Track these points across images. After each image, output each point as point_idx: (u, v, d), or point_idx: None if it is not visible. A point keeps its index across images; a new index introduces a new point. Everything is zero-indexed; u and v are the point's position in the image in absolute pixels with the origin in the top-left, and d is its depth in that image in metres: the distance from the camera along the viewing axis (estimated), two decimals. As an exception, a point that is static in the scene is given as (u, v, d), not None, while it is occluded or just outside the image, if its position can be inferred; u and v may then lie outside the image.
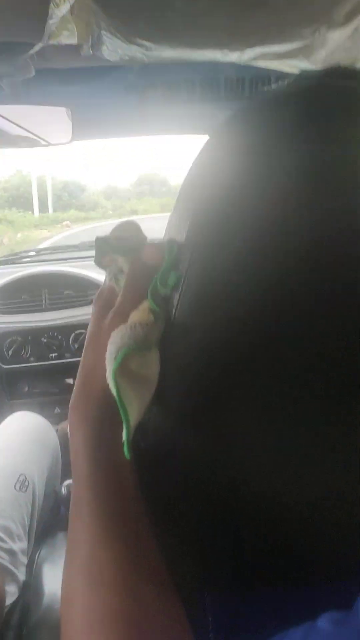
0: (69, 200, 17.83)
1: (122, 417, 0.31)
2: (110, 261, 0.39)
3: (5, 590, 0.82)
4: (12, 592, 0.85)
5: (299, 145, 0.29)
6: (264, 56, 0.64)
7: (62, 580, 0.35)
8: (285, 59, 0.65)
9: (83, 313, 1.53)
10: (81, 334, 1.50)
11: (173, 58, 0.62)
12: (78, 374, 0.38)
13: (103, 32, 0.57)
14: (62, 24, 0.60)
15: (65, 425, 1.55)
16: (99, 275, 1.60)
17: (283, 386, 0.31)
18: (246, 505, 0.37)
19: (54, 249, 1.97)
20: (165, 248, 0.33)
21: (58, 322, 1.50)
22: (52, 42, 0.65)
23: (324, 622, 0.25)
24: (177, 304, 0.32)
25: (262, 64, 0.67)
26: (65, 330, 1.50)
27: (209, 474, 0.37)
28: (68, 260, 1.88)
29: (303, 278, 0.29)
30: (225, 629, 0.39)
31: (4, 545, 0.89)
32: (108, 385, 0.33)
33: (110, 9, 0.52)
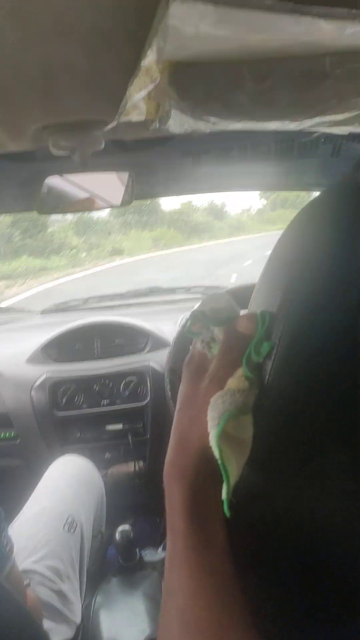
0: (22, 242, 12.54)
1: (224, 477, 0.34)
2: (200, 328, 0.43)
3: (53, 629, 0.84)
4: (62, 632, 0.86)
5: None
6: (320, 124, 0.68)
7: (159, 626, 0.38)
8: (340, 125, 0.69)
9: (133, 361, 1.58)
10: (132, 381, 1.54)
11: (235, 129, 0.68)
12: (172, 432, 0.41)
13: (173, 111, 0.63)
14: (134, 104, 0.65)
15: (116, 470, 1.58)
16: (146, 324, 1.66)
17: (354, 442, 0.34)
18: (326, 557, 0.39)
19: (101, 297, 2.04)
20: (258, 319, 0.36)
21: (110, 370, 1.55)
22: (122, 119, 0.71)
23: None
24: (270, 372, 0.35)
25: (318, 129, 0.71)
26: (117, 377, 1.55)
27: (297, 526, 0.39)
28: (114, 308, 1.94)
29: None
30: None
31: (54, 587, 0.91)
32: (204, 444, 0.36)
33: (185, 93, 0.57)
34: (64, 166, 0.97)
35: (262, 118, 0.63)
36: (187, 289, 2.03)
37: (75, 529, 1.05)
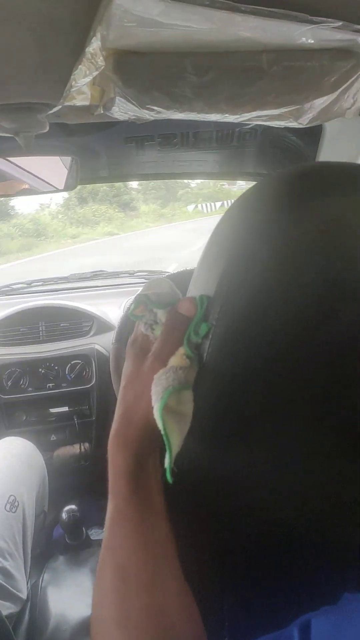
0: None
1: (167, 447, 0.37)
2: (142, 311, 0.45)
3: (2, 604, 0.86)
4: (7, 607, 0.88)
5: (304, 215, 0.36)
6: (258, 118, 0.71)
7: (95, 584, 0.42)
8: (277, 120, 0.73)
9: (78, 344, 1.59)
10: (77, 364, 1.55)
11: (177, 118, 0.70)
12: (117, 406, 0.44)
13: (118, 98, 0.64)
14: (79, 89, 0.67)
15: (62, 452, 1.59)
16: (90, 307, 1.66)
17: (293, 418, 0.38)
18: (262, 512, 0.43)
19: (45, 281, 2.02)
20: (197, 302, 0.39)
21: (55, 353, 1.55)
22: (67, 103, 0.71)
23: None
24: (208, 350, 0.38)
25: (255, 122, 0.75)
26: (62, 361, 1.55)
27: (231, 486, 0.43)
28: (59, 292, 1.93)
29: (313, 332, 0.36)
30: (239, 629, 0.44)
31: None
32: (148, 417, 0.39)
33: (129, 81, 0.59)
34: (8, 148, 0.96)
35: (203, 110, 0.66)
36: (131, 274, 2.04)
37: (17, 509, 1.06)
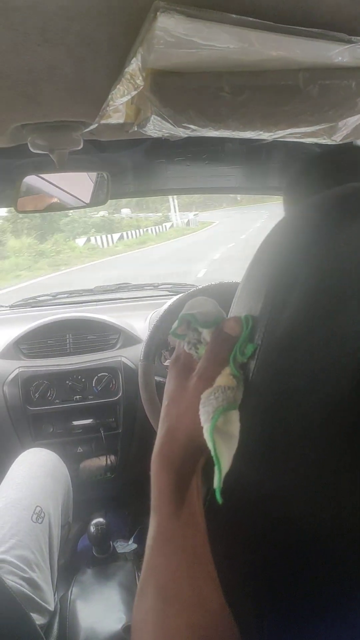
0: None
1: (216, 467, 0.37)
2: (184, 331, 0.46)
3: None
4: (35, 618, 0.88)
5: (348, 237, 0.36)
6: (291, 135, 0.72)
7: (136, 605, 0.41)
8: (310, 137, 0.73)
9: (105, 357, 1.60)
10: (104, 376, 1.56)
11: (211, 136, 0.71)
12: (160, 425, 0.44)
13: (154, 116, 0.65)
14: (115, 108, 0.68)
15: (88, 464, 1.60)
16: (117, 320, 1.68)
17: (336, 438, 0.38)
18: (309, 537, 0.43)
19: (70, 293, 2.04)
20: (243, 322, 0.39)
21: (82, 365, 1.56)
22: (102, 122, 0.73)
23: None
24: (254, 370, 0.38)
25: (288, 139, 0.75)
26: (89, 373, 1.56)
27: (272, 505, 0.42)
28: (84, 304, 1.95)
29: (355, 353, 0.36)
30: None
31: (24, 575, 0.93)
32: (192, 436, 0.39)
33: (167, 100, 0.60)
34: (42, 164, 0.98)
35: (238, 128, 0.66)
36: (155, 286, 2.05)
37: (43, 519, 1.07)
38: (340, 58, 0.57)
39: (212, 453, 0.37)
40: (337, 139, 0.75)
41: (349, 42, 0.54)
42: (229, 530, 0.44)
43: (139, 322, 1.73)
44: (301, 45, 0.54)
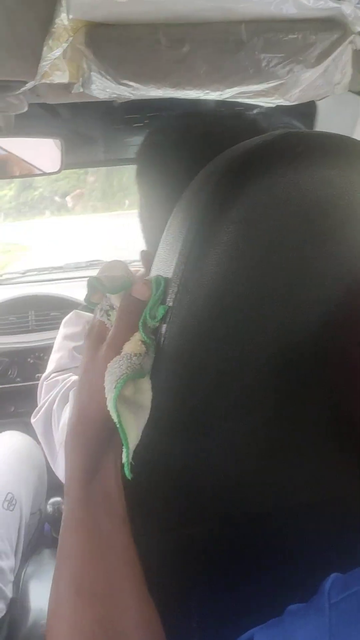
0: None
1: (123, 441, 0.34)
2: (100, 298, 0.43)
3: None
4: (0, 609, 0.86)
5: (270, 191, 0.33)
6: (242, 94, 0.68)
7: (51, 593, 0.39)
8: (262, 97, 0.70)
9: (69, 334, 1.56)
10: (67, 354, 1.53)
11: (158, 96, 0.67)
12: (73, 402, 0.41)
13: (93, 73, 0.61)
14: (54, 65, 0.64)
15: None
16: (83, 296, 1.64)
17: (249, 400, 0.36)
18: (228, 505, 0.41)
19: (39, 270, 2.00)
20: (153, 284, 0.36)
21: (44, 342, 1.53)
22: (44, 81, 0.69)
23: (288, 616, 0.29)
24: (165, 334, 0.36)
25: (240, 100, 0.72)
26: (51, 350, 1.52)
27: (196, 478, 0.40)
28: (53, 282, 1.91)
29: (275, 312, 0.33)
30: (209, 628, 0.42)
31: None
32: (104, 411, 0.36)
33: (101, 54, 0.57)
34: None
35: (181, 85, 0.63)
36: (128, 263, 2.01)
37: (14, 507, 1.05)
38: (284, 9, 0.54)
39: (117, 425, 0.34)
40: (291, 98, 0.71)
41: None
42: (151, 506, 0.41)
43: None
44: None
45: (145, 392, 0.36)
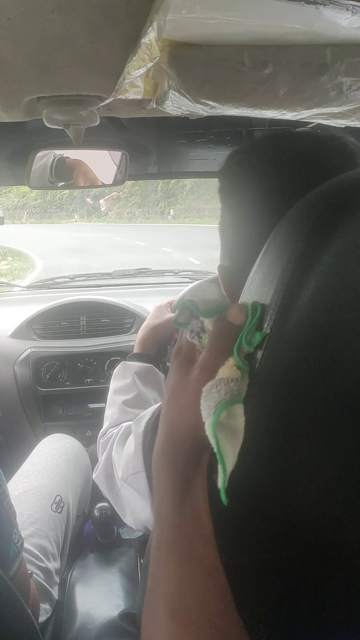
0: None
1: (220, 466, 0.34)
2: (187, 319, 0.42)
3: (41, 607, 0.85)
4: (46, 610, 0.87)
5: None
6: (318, 115, 0.68)
7: (144, 616, 0.39)
8: (339, 118, 0.69)
9: (119, 341, 1.58)
10: (116, 360, 1.54)
11: (233, 114, 0.67)
12: (161, 421, 0.41)
13: (172, 91, 0.62)
14: (132, 82, 0.65)
15: (95, 448, 1.59)
16: (132, 306, 1.65)
17: (341, 434, 0.35)
18: (317, 535, 0.40)
19: (88, 276, 2.03)
20: (249, 309, 0.36)
21: (95, 348, 1.55)
22: (119, 97, 0.70)
23: None
24: (261, 361, 0.35)
25: (314, 120, 0.71)
26: (101, 356, 1.55)
27: (284, 506, 0.40)
28: (102, 288, 1.94)
29: None
30: None
31: (41, 564, 0.92)
32: (195, 433, 0.36)
33: (184, 74, 0.57)
34: (57, 141, 0.95)
35: (260, 105, 0.63)
36: (175, 273, 2.02)
37: (62, 509, 1.06)
38: (371, 33, 0.53)
39: (215, 450, 0.34)
40: (366, 122, 0.71)
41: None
42: (237, 534, 0.41)
43: None
44: (329, 19, 0.50)
45: (238, 417, 0.35)
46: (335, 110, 0.65)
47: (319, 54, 0.56)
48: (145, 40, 0.53)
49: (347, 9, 0.49)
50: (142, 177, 1.25)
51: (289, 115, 0.66)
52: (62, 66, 0.62)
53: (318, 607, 0.41)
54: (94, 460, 1.55)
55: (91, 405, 1.57)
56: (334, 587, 0.41)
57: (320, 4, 0.48)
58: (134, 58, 0.57)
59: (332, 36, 0.54)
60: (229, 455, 0.34)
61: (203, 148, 1.12)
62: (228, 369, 0.36)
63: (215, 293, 0.41)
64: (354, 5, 0.48)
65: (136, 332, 1.60)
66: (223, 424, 0.35)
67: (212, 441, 0.34)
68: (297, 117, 0.67)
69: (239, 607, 0.37)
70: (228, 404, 0.34)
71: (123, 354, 1.55)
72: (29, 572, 0.82)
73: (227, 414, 0.35)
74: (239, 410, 0.35)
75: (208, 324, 0.40)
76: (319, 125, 0.74)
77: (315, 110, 0.64)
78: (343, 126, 0.75)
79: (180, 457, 0.39)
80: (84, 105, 0.75)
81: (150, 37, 0.52)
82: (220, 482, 0.34)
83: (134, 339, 1.57)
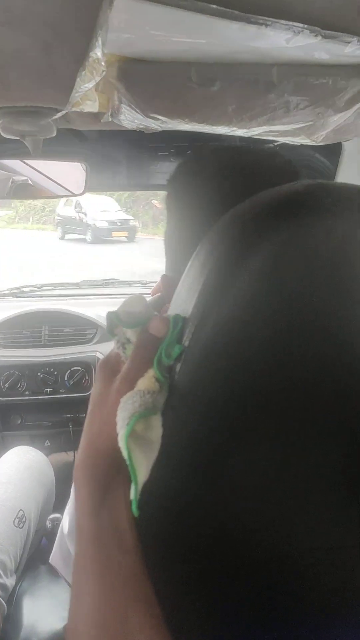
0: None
1: (132, 478, 0.34)
2: (120, 331, 0.43)
3: None
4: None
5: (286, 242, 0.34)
6: (269, 133, 0.69)
7: (67, 630, 0.38)
8: (289, 136, 0.71)
9: (80, 351, 1.58)
10: (77, 371, 1.53)
11: (185, 129, 0.68)
12: (84, 433, 0.41)
13: (123, 105, 0.62)
14: (86, 95, 0.65)
15: (54, 458, 1.57)
16: (97, 317, 1.65)
17: (258, 441, 0.36)
18: (237, 545, 0.41)
19: (55, 285, 2.02)
20: (171, 322, 0.37)
21: (55, 358, 1.54)
22: (74, 109, 0.70)
23: None
24: (178, 372, 0.36)
25: (265, 137, 0.73)
26: (62, 366, 1.54)
27: (203, 517, 0.40)
28: (68, 297, 1.93)
29: (286, 359, 0.34)
30: None
31: (0, 581, 0.90)
32: (114, 445, 0.36)
33: (132, 88, 0.57)
34: (16, 150, 0.95)
35: (210, 121, 0.64)
36: (144, 284, 2.02)
37: (24, 525, 1.04)
38: (316, 54, 0.54)
39: (127, 462, 0.34)
40: (317, 139, 0.72)
41: (326, 37, 0.52)
42: (163, 544, 0.41)
43: None
44: (274, 38, 0.51)
45: (155, 429, 0.36)
46: (285, 127, 0.67)
47: (266, 72, 0.57)
48: (93, 54, 0.53)
49: (289, 29, 0.50)
50: (104, 189, 1.25)
51: (240, 132, 0.68)
52: (15, 80, 0.62)
53: (249, 619, 0.42)
54: (57, 469, 1.54)
55: (50, 416, 1.55)
56: (266, 600, 0.42)
57: (262, 24, 0.49)
58: (84, 72, 0.57)
59: (277, 55, 0.55)
60: (141, 466, 0.35)
61: (164, 161, 1.14)
62: (147, 381, 0.36)
63: (140, 305, 0.42)
64: (294, 26, 0.50)
65: (98, 342, 1.61)
66: (138, 436, 0.35)
67: (124, 453, 0.34)
68: (249, 134, 0.69)
69: (169, 619, 0.37)
70: (141, 416, 0.35)
71: (84, 364, 1.54)
72: None
73: (143, 426, 0.35)
74: (156, 421, 0.36)
75: (132, 335, 0.41)
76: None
77: (265, 128, 0.65)
78: (298, 144, 0.77)
79: (98, 467, 0.39)
80: (39, 117, 0.75)
81: (98, 52, 0.53)
82: (132, 493, 0.34)
83: (96, 350, 1.57)
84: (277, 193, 0.35)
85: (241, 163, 0.55)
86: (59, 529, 0.80)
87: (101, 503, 0.38)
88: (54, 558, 0.79)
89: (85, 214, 10.55)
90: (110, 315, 0.42)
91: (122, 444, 0.35)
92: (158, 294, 0.61)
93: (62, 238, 11.43)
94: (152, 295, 0.74)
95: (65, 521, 0.71)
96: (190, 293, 0.36)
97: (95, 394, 0.41)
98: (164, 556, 0.41)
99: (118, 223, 10.59)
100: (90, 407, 0.41)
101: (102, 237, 10.32)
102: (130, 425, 0.34)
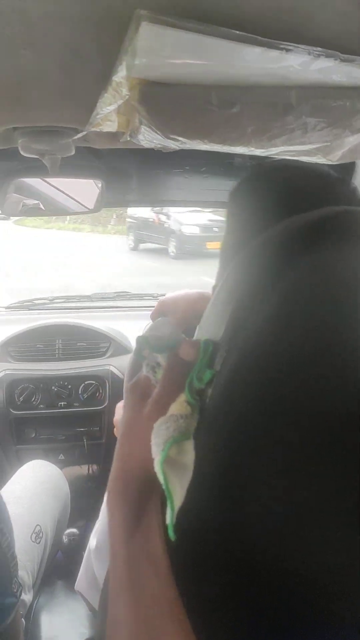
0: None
1: (168, 502, 0.34)
2: (150, 354, 0.43)
3: None
4: None
5: (315, 266, 0.34)
6: (286, 152, 0.70)
7: None
8: (305, 156, 0.71)
9: (94, 365, 1.58)
10: (91, 384, 1.54)
11: (204, 149, 0.69)
12: (115, 457, 0.41)
13: (143, 126, 0.63)
14: (106, 116, 0.66)
15: (69, 472, 1.57)
16: (109, 329, 1.66)
17: (290, 465, 0.36)
18: (277, 573, 0.40)
19: (67, 298, 2.03)
20: (201, 346, 0.37)
21: (69, 372, 1.55)
22: (94, 129, 0.71)
23: None
24: (209, 397, 0.36)
25: (283, 156, 0.74)
26: (76, 380, 1.54)
27: (237, 540, 0.40)
28: (80, 310, 1.94)
29: (317, 385, 0.34)
30: None
31: (20, 598, 0.90)
32: (147, 470, 0.37)
33: (153, 111, 0.58)
34: (34, 168, 0.96)
35: (228, 142, 0.65)
36: (155, 297, 2.03)
37: (41, 540, 1.04)
38: (334, 77, 0.55)
39: (164, 487, 0.35)
40: (334, 158, 0.73)
41: (344, 60, 0.53)
42: (190, 563, 0.41)
43: (134, 332, 1.71)
44: (293, 62, 0.52)
45: (188, 453, 0.36)
46: (302, 148, 0.67)
47: (285, 95, 0.58)
48: (115, 78, 0.55)
49: (309, 54, 0.51)
50: (119, 204, 1.27)
51: (257, 151, 0.68)
52: (36, 100, 0.64)
53: (275, 633, 0.41)
54: (70, 482, 1.54)
55: (64, 429, 1.55)
56: (297, 617, 0.41)
57: (283, 49, 0.50)
58: (105, 95, 0.58)
59: (296, 78, 0.56)
60: (176, 491, 0.35)
61: (179, 177, 1.15)
62: (179, 405, 0.37)
63: (167, 329, 0.42)
64: (314, 50, 0.51)
65: (111, 356, 1.62)
66: (172, 461, 0.35)
67: (160, 478, 0.35)
68: (265, 154, 0.69)
69: (198, 634, 0.37)
70: (176, 441, 0.35)
71: (97, 378, 1.55)
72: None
73: (176, 450, 0.35)
74: (189, 446, 0.36)
75: (162, 359, 0.41)
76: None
77: (282, 148, 0.66)
78: (313, 162, 0.77)
79: (131, 492, 0.39)
80: (59, 136, 0.76)
81: (120, 75, 0.54)
82: (168, 518, 0.34)
83: (109, 363, 1.58)
84: (305, 220, 0.35)
85: (297, 183, 0.56)
86: (86, 553, 0.80)
87: (135, 528, 0.38)
88: (80, 584, 0.79)
89: (168, 216, 7.80)
90: (139, 340, 0.42)
91: (158, 469, 0.35)
92: (160, 318, 0.61)
93: (136, 249, 8.73)
94: (152, 319, 0.75)
95: (93, 542, 0.71)
96: (219, 318, 0.37)
97: (125, 419, 0.41)
98: (193, 574, 0.41)
99: (215, 229, 7.34)
100: (120, 431, 0.41)
101: (191, 248, 7.53)
102: (166, 450, 0.35)
